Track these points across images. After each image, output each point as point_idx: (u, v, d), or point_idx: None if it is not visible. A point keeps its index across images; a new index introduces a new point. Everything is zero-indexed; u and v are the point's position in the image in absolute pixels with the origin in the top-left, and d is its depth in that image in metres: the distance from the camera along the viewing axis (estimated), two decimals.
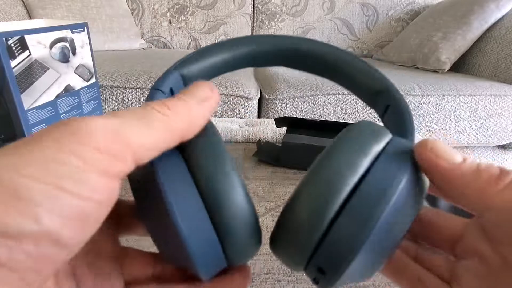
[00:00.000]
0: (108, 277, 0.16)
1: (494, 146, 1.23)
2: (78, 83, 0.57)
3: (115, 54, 1.34)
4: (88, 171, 0.11)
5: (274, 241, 0.16)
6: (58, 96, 0.52)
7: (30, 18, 1.36)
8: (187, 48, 1.71)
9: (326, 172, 0.14)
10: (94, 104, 0.62)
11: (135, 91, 0.99)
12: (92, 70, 0.60)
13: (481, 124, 1.11)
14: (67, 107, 0.54)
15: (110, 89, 0.98)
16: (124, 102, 1.00)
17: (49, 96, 0.50)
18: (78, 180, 0.11)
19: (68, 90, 0.54)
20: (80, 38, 0.56)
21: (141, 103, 1.00)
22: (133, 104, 1.00)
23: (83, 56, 0.57)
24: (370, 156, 0.14)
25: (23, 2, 1.36)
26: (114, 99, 0.99)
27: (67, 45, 0.53)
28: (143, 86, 0.99)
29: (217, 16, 1.67)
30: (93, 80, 0.61)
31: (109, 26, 1.47)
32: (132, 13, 1.64)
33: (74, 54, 0.55)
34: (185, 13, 1.66)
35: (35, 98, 0.48)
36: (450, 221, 0.18)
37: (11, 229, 0.10)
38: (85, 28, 0.57)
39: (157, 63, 1.18)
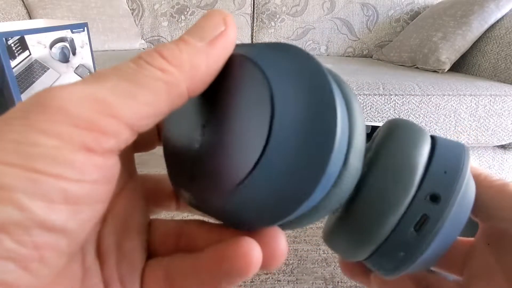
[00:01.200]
0: (131, 253, 0.14)
1: (494, 146, 1.23)
2: None
3: (115, 54, 1.34)
4: (67, 150, 0.09)
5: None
6: None
7: (30, 18, 1.36)
8: None
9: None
10: None
11: None
12: (92, 70, 0.60)
13: (481, 124, 1.11)
14: None
15: None
16: None
17: None
18: (56, 160, 0.09)
19: None
20: (80, 38, 0.56)
21: None
22: None
23: (83, 56, 0.57)
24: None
25: (23, 2, 1.36)
26: None
27: (67, 45, 0.53)
28: None
29: None
30: None
31: (109, 26, 1.47)
32: (132, 13, 1.64)
33: (74, 54, 0.55)
34: (185, 13, 1.66)
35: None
36: (458, 243, 0.18)
37: None
38: (85, 28, 0.57)
39: None
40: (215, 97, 0.13)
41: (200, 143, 0.14)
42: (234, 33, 0.12)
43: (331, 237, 0.17)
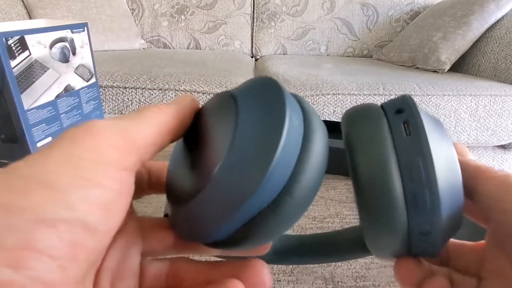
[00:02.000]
0: (125, 254, 0.16)
1: (494, 146, 1.23)
2: (78, 83, 0.57)
3: (115, 54, 1.34)
4: (104, 163, 0.12)
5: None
6: (58, 96, 0.52)
7: (30, 18, 1.36)
8: (187, 48, 1.71)
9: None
10: (94, 104, 0.62)
11: (135, 91, 0.99)
12: (92, 70, 0.60)
13: (481, 124, 1.11)
14: (67, 107, 0.54)
15: (110, 89, 0.98)
16: (124, 102, 1.00)
17: (49, 96, 0.50)
18: (97, 171, 0.12)
19: (68, 90, 0.54)
20: (80, 38, 0.56)
21: (141, 103, 1.00)
22: (133, 104, 1.00)
23: (83, 56, 0.57)
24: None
25: (23, 2, 1.36)
26: (114, 99, 0.99)
27: (67, 45, 0.53)
28: (143, 86, 0.99)
29: (217, 16, 1.67)
30: (93, 80, 0.61)
31: (109, 26, 1.47)
32: (132, 13, 1.64)
33: (74, 54, 0.55)
34: (185, 13, 1.66)
35: (35, 98, 0.48)
36: (473, 246, 0.19)
37: (48, 216, 0.10)
38: (85, 28, 0.57)
39: (157, 63, 1.18)
40: (201, 126, 0.17)
41: (185, 159, 0.17)
42: (197, 102, 0.17)
43: (368, 244, 0.17)
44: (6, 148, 0.48)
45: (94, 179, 0.12)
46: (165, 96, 1.00)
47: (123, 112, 1.00)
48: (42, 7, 1.34)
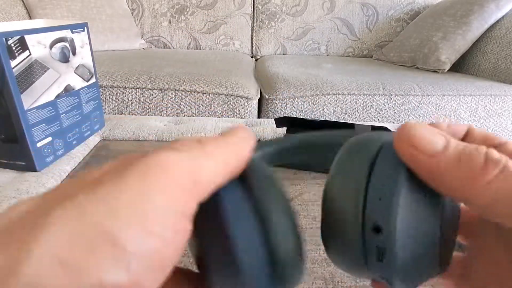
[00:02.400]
0: None
1: None
2: (78, 83, 0.57)
3: (115, 54, 1.34)
4: (172, 211, 0.11)
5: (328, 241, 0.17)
6: (58, 96, 0.52)
7: (30, 18, 1.36)
8: (187, 48, 1.71)
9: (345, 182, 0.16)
10: (94, 104, 0.62)
11: (135, 91, 0.99)
12: (92, 70, 0.60)
13: (481, 124, 1.11)
14: (67, 107, 0.54)
15: (110, 89, 0.98)
16: (124, 102, 1.00)
17: (49, 96, 0.50)
18: (164, 221, 0.11)
19: (68, 90, 0.54)
20: (80, 38, 0.56)
21: (141, 103, 1.00)
22: (133, 104, 1.00)
23: (83, 56, 0.57)
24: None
25: (23, 2, 1.36)
26: (114, 99, 0.99)
27: (67, 45, 0.53)
28: (143, 86, 0.99)
29: (217, 16, 1.67)
30: (93, 80, 0.61)
31: (109, 26, 1.47)
32: (132, 13, 1.64)
33: (74, 54, 0.55)
34: (185, 13, 1.66)
35: (35, 98, 0.48)
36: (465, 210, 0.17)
37: (105, 282, 0.09)
38: (85, 28, 0.57)
39: (157, 63, 1.18)
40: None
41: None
42: (254, 139, 0.15)
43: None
44: (6, 148, 0.48)
45: (159, 232, 0.10)
46: (165, 96, 1.00)
47: (123, 113, 1.00)
48: (42, 7, 1.34)
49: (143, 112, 1.01)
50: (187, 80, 1.02)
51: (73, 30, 0.54)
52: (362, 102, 1.04)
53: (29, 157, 0.48)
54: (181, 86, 1.00)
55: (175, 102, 1.00)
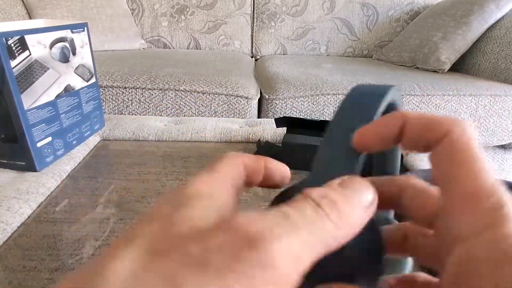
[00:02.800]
0: None
1: (494, 146, 1.23)
2: (78, 83, 0.57)
3: (115, 54, 1.34)
4: None
5: None
6: (58, 96, 0.52)
7: (30, 18, 1.36)
8: (187, 48, 1.71)
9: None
10: (94, 104, 0.62)
11: (135, 91, 0.99)
12: (92, 70, 0.60)
13: (481, 124, 1.11)
14: (67, 107, 0.54)
15: (110, 89, 0.98)
16: (124, 102, 1.00)
17: (49, 96, 0.50)
18: None
19: (68, 90, 0.54)
20: (80, 38, 0.56)
21: (141, 103, 1.00)
22: (133, 104, 1.00)
23: (83, 56, 0.57)
24: None
25: (23, 2, 1.36)
26: (114, 99, 0.99)
27: (67, 45, 0.53)
28: (143, 86, 0.99)
29: (217, 16, 1.67)
30: (93, 80, 0.61)
31: (109, 26, 1.47)
32: (132, 13, 1.64)
33: (74, 54, 0.55)
34: (185, 13, 1.66)
35: (35, 98, 0.48)
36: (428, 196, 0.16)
37: None
38: (85, 28, 0.57)
39: (157, 63, 1.18)
40: None
41: None
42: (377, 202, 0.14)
43: None
44: (6, 148, 0.48)
45: None
46: (165, 96, 1.00)
47: (123, 113, 1.00)
48: (42, 7, 1.34)
49: (143, 112, 1.01)
50: (187, 80, 1.02)
51: (73, 30, 0.54)
52: None
53: (29, 157, 0.48)
54: (181, 86, 1.00)
55: (175, 102, 1.00)
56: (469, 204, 0.12)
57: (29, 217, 0.41)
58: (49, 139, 0.51)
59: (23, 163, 0.49)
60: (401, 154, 0.59)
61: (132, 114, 1.01)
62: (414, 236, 0.17)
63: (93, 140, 0.63)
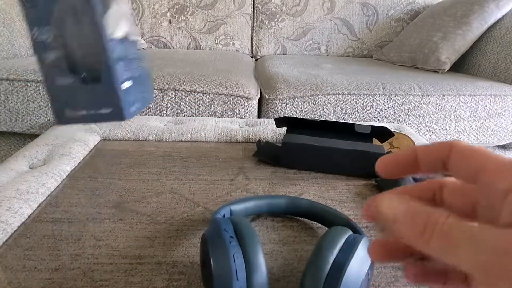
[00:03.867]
0: None
1: (494, 146, 1.23)
2: (133, 31, 0.36)
3: None
4: None
5: None
6: (124, 39, 0.35)
7: None
8: (187, 48, 1.71)
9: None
10: (142, 67, 0.40)
11: None
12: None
13: (481, 124, 1.11)
14: (133, 54, 0.37)
15: None
16: None
17: (121, 33, 0.33)
18: None
19: (129, 35, 0.36)
20: None
21: None
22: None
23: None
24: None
25: None
26: None
27: None
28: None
29: (217, 16, 1.67)
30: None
31: None
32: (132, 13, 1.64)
33: None
34: (185, 13, 1.66)
35: (111, 28, 0.33)
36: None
37: None
38: None
39: (157, 63, 1.18)
40: None
41: None
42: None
43: None
44: (85, 92, 0.33)
45: None
46: (165, 96, 1.00)
47: None
48: None
49: (143, 112, 1.01)
50: (187, 80, 1.02)
51: None
52: (362, 102, 1.04)
53: (115, 100, 0.34)
54: (181, 86, 1.00)
55: (175, 102, 1.00)
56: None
57: (29, 217, 0.41)
58: (130, 83, 0.36)
59: (107, 110, 0.34)
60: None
61: None
62: (451, 187, 0.19)
63: (93, 140, 0.63)
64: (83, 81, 0.32)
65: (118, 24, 0.36)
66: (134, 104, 0.37)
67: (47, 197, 0.46)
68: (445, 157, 0.17)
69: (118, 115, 0.34)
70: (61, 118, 0.32)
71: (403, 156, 0.18)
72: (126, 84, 0.35)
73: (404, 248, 0.18)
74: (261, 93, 1.06)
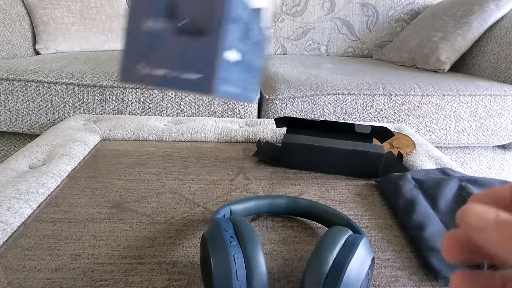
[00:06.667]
0: None
1: (494, 146, 1.23)
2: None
3: (115, 54, 1.34)
4: None
5: None
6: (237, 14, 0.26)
7: (30, 18, 1.36)
8: None
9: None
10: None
11: (135, 91, 0.99)
12: None
13: (481, 124, 1.11)
14: (242, 33, 0.28)
15: (110, 89, 0.98)
16: (124, 102, 1.00)
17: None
18: None
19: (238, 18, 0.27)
20: None
21: (141, 103, 1.00)
22: (133, 104, 1.00)
23: None
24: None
25: (23, 2, 1.36)
26: (114, 99, 0.99)
27: None
28: (143, 86, 0.99)
29: None
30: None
31: (109, 26, 1.47)
32: None
33: None
34: None
35: None
36: None
37: None
38: None
39: None
40: None
41: None
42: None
43: None
44: (177, 45, 0.24)
45: None
46: (165, 96, 1.00)
47: (123, 113, 1.00)
48: (42, 7, 1.34)
49: (143, 112, 1.01)
50: None
51: None
52: (362, 102, 1.04)
53: (210, 65, 0.24)
54: None
55: (175, 102, 1.00)
56: None
57: (29, 217, 0.41)
58: (237, 57, 0.27)
59: (194, 76, 0.25)
60: (401, 154, 0.59)
61: (132, 114, 1.01)
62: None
63: (93, 140, 0.63)
64: (179, 31, 0.24)
65: None
66: (230, 85, 0.27)
67: (47, 197, 0.46)
68: None
69: (205, 86, 0.25)
70: (130, 74, 0.24)
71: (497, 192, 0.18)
72: (232, 55, 0.26)
73: (475, 251, 0.18)
74: (261, 93, 1.06)
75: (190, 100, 1.00)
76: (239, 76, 0.28)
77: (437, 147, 1.15)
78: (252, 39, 0.29)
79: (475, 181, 0.46)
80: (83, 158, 0.57)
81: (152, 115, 1.01)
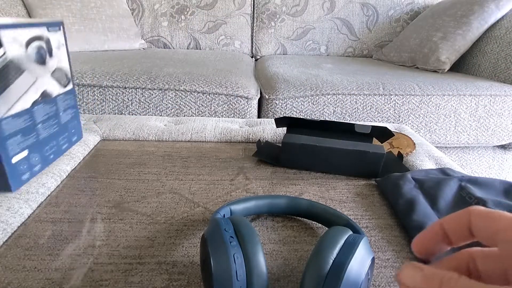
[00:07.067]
0: None
1: (494, 146, 1.23)
2: (55, 89, 0.50)
3: (115, 54, 1.34)
4: None
5: None
6: (34, 103, 0.45)
7: (30, 18, 1.36)
8: (187, 48, 1.71)
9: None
10: (71, 113, 0.55)
11: (135, 91, 0.99)
12: (69, 75, 0.54)
13: (481, 124, 1.11)
14: (43, 116, 0.47)
15: (110, 89, 0.98)
16: (124, 102, 1.00)
17: (25, 103, 0.43)
18: None
19: (44, 96, 0.47)
20: (56, 38, 0.50)
21: (141, 103, 1.00)
22: (133, 104, 1.00)
23: (60, 59, 0.51)
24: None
25: (23, 2, 1.36)
26: (114, 99, 0.99)
27: (44, 45, 0.47)
28: (143, 86, 0.99)
29: (217, 16, 1.67)
30: (70, 86, 0.54)
31: (109, 26, 1.47)
32: (132, 13, 1.64)
33: (50, 55, 0.49)
34: (185, 13, 1.66)
35: (10, 104, 0.40)
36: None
37: None
38: (61, 27, 0.51)
39: (157, 63, 1.18)
40: None
41: None
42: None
43: None
44: None
45: None
46: (165, 96, 1.00)
47: (123, 113, 1.00)
48: (42, 7, 1.34)
49: (143, 112, 1.01)
50: (187, 80, 1.02)
51: (49, 29, 0.48)
52: (362, 102, 1.04)
53: (3, 175, 0.41)
54: (181, 86, 1.00)
55: (175, 102, 1.00)
56: None
57: (29, 217, 0.41)
58: (25, 153, 0.44)
59: None
60: (401, 154, 0.59)
61: (132, 114, 1.01)
62: (481, 255, 0.20)
63: (93, 140, 0.63)
64: None
65: (24, 96, 0.40)
66: (30, 169, 0.44)
67: (47, 197, 0.46)
68: (467, 223, 0.19)
69: (5, 187, 0.41)
70: None
71: (431, 233, 0.21)
72: (21, 155, 0.42)
73: None
74: (261, 93, 1.06)
75: (190, 100, 1.00)
76: (40, 154, 0.45)
77: (437, 147, 1.15)
78: (44, 121, 0.46)
79: (475, 181, 0.46)
80: (83, 158, 0.57)
81: (152, 115, 1.01)
